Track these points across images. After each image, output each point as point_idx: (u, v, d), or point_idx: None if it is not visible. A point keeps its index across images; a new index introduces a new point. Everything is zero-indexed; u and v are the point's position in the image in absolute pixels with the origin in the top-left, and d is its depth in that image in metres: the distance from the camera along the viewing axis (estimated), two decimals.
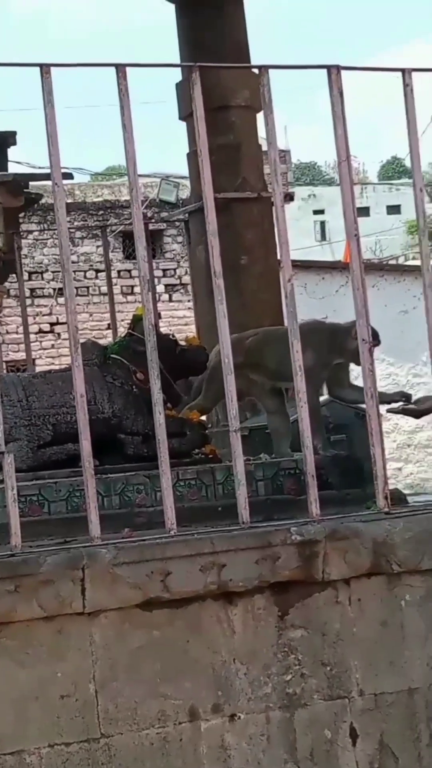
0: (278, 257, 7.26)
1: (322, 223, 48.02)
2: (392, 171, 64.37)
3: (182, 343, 6.51)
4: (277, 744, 4.73)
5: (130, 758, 4.52)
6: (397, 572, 4.92)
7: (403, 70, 5.15)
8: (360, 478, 5.90)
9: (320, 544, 4.77)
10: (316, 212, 48.66)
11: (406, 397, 6.53)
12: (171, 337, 6.39)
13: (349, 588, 4.89)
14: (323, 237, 45.99)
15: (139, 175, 4.88)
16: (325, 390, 6.63)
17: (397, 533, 4.92)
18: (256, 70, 5.17)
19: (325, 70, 5.06)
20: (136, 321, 6.21)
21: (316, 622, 4.83)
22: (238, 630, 4.71)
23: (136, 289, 19.45)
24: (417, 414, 6.55)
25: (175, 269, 20.09)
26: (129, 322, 6.44)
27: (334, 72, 5.04)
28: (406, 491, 7.03)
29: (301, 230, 42.25)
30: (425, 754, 4.94)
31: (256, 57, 8.06)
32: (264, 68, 4.97)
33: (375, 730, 4.88)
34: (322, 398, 6.71)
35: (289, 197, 20.86)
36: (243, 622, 4.72)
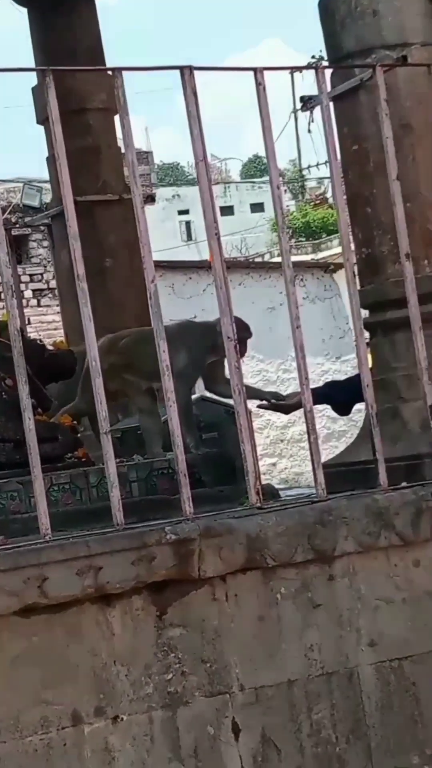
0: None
1: (188, 223, 48.12)
2: (254, 169, 64.83)
3: (50, 347, 6.49)
4: (160, 743, 4.75)
5: (15, 766, 4.50)
6: (272, 566, 4.97)
7: (255, 69, 5.20)
8: (233, 474, 5.94)
9: (195, 542, 4.80)
10: (180, 212, 48.74)
11: (277, 398, 6.60)
12: (38, 341, 6.37)
13: (226, 584, 4.92)
14: (189, 237, 46.09)
15: (1, 180, 4.85)
16: (197, 387, 6.67)
17: (269, 528, 4.97)
18: (110, 72, 5.18)
19: (179, 72, 5.09)
20: (2, 328, 6.16)
21: (194, 619, 4.85)
22: (118, 632, 4.71)
23: (4, 295, 19.29)
24: (286, 410, 6.61)
25: (42, 274, 19.97)
26: None
27: (187, 72, 5.07)
28: (280, 486, 7.12)
29: (167, 231, 42.29)
30: (306, 745, 5.00)
31: (111, 60, 8.08)
32: (117, 70, 4.98)
33: (257, 724, 4.92)
34: (193, 396, 6.74)
35: (150, 198, 20.91)
36: (122, 623, 4.72)
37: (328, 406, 6.99)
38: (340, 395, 6.83)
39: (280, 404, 6.60)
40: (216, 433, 6.53)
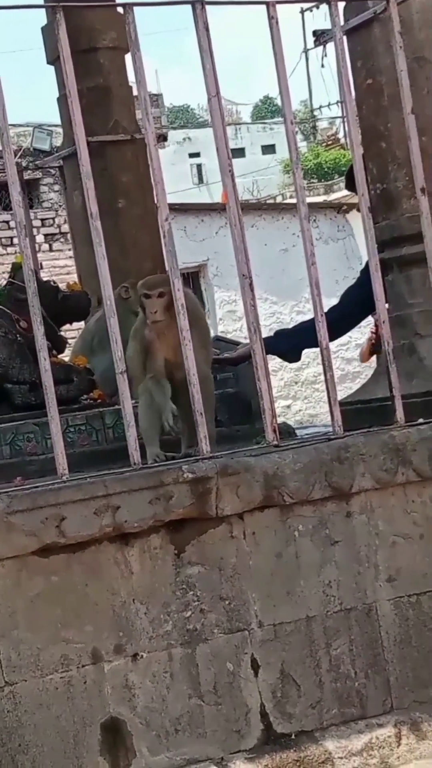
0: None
1: (199, 166, 47.88)
2: (265, 111, 64.37)
3: (64, 289, 6.47)
4: (180, 680, 4.78)
5: (35, 704, 4.53)
6: (289, 503, 4.97)
7: (267, 3, 5.13)
8: (248, 414, 5.94)
9: (212, 481, 4.80)
10: (192, 155, 48.47)
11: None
12: (52, 283, 6.34)
13: (243, 522, 4.93)
14: (200, 180, 45.90)
15: (11, 125, 4.81)
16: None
17: (286, 465, 4.97)
18: (120, 9, 5.13)
19: (190, 7, 5.03)
20: (16, 269, 6.16)
21: (213, 557, 4.86)
22: (136, 570, 4.73)
23: (16, 240, 19.22)
24: (233, 362, 6.51)
25: (53, 218, 19.88)
26: (9, 271, 6.38)
27: (198, 7, 5.00)
28: (297, 427, 7.09)
29: (178, 174, 42.07)
30: (325, 680, 5.02)
31: None
32: (129, 5, 4.92)
33: (276, 660, 4.94)
34: None
35: (162, 137, 20.79)
36: (140, 562, 4.74)
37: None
38: (282, 344, 6.82)
39: (225, 357, 6.53)
40: (231, 373, 6.52)
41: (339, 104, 43.00)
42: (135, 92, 8.58)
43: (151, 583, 4.75)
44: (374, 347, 6.58)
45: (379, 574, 5.15)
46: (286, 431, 5.75)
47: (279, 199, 32.84)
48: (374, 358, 6.65)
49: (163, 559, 4.78)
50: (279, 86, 5.17)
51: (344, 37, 5.51)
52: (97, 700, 4.64)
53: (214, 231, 19.50)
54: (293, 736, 4.93)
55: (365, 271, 5.75)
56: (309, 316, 8.09)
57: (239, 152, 47.43)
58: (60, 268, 18.74)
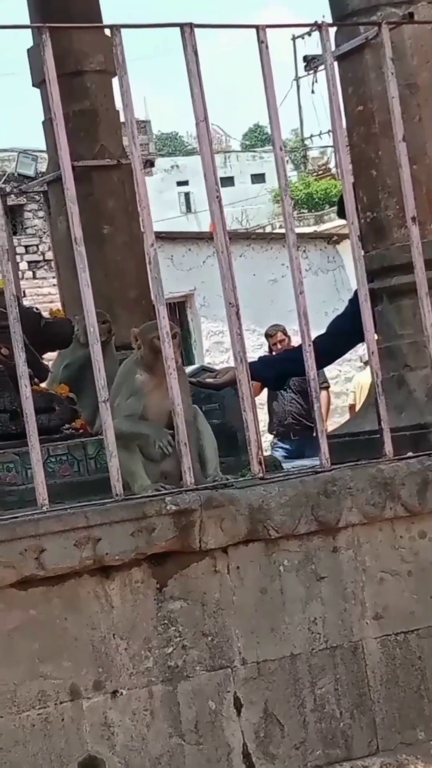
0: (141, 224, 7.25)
1: (187, 195, 47.99)
2: (255, 139, 64.64)
3: (47, 316, 6.47)
4: (161, 718, 4.75)
5: (11, 741, 4.51)
6: (275, 537, 4.97)
7: (257, 27, 5.16)
8: (234, 446, 5.93)
9: (196, 513, 4.79)
10: (179, 183, 48.60)
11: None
12: (35, 310, 6.34)
13: (227, 556, 4.92)
14: (188, 208, 46.02)
15: None
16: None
17: (272, 498, 4.96)
18: (108, 32, 5.15)
19: (179, 30, 5.06)
20: None
21: (196, 592, 4.85)
22: (117, 604, 4.72)
23: None
24: (217, 387, 6.51)
25: (37, 245, 19.91)
26: None
27: (187, 30, 5.03)
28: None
29: (166, 202, 42.20)
30: (310, 720, 5.01)
31: (108, 19, 8.04)
32: (116, 27, 4.94)
33: (259, 699, 4.93)
34: (192, 367, 6.73)
35: (149, 163, 20.84)
36: (121, 596, 4.73)
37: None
38: (267, 370, 6.84)
39: (208, 382, 6.54)
40: (217, 405, 6.52)
41: (330, 133, 43.28)
42: (122, 117, 8.65)
43: (132, 617, 4.74)
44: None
45: (366, 612, 5.14)
46: (272, 463, 5.74)
47: (268, 229, 32.95)
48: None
49: (144, 594, 4.77)
50: (268, 111, 5.19)
51: (335, 63, 5.55)
52: (75, 738, 4.61)
53: (201, 260, 19.55)
54: None
55: (354, 301, 5.76)
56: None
57: (228, 181, 47.55)
58: (43, 296, 18.76)
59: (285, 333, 10.19)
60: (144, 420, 5.28)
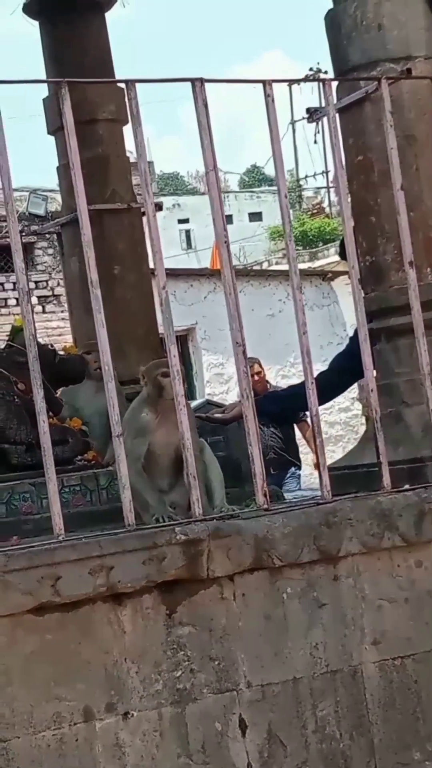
0: (150, 266, 7.28)
1: (188, 232, 48.10)
2: (253, 179, 64.82)
3: (61, 352, 6.50)
4: (169, 739, 4.75)
5: (28, 761, 4.50)
6: (279, 566, 4.98)
7: (264, 82, 5.20)
8: (238, 477, 5.94)
9: (204, 543, 4.80)
10: (180, 221, 48.71)
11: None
12: (50, 347, 6.36)
13: (233, 584, 4.92)
14: (189, 245, 46.08)
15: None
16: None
17: (276, 529, 4.98)
18: (122, 85, 5.19)
19: (189, 83, 5.10)
20: (15, 332, 6.18)
21: (203, 618, 4.86)
22: (128, 630, 4.72)
23: (10, 302, 19.32)
24: (224, 422, 6.55)
25: (47, 281, 19.95)
26: (8, 333, 6.41)
27: (198, 84, 5.07)
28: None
29: (168, 239, 42.18)
30: (312, 740, 5.00)
31: (119, 70, 8.08)
32: (131, 82, 4.98)
33: (263, 720, 4.92)
34: (198, 401, 6.75)
35: (159, 207, 20.87)
36: (132, 622, 4.73)
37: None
38: (273, 406, 6.88)
39: (216, 417, 6.58)
40: (221, 437, 6.53)
41: (324, 174, 43.47)
42: (132, 161, 8.69)
43: (142, 642, 4.74)
44: None
45: (365, 637, 5.14)
46: (275, 494, 5.76)
47: (265, 265, 32.95)
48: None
49: (155, 619, 4.77)
50: (274, 163, 5.24)
51: (337, 115, 5.59)
52: (88, 758, 4.60)
53: (202, 296, 19.58)
54: None
55: (354, 339, 5.79)
56: (294, 380, 7.92)
57: (227, 219, 47.54)
58: (53, 329, 18.79)
59: (261, 365, 10.17)
60: (153, 457, 5.30)
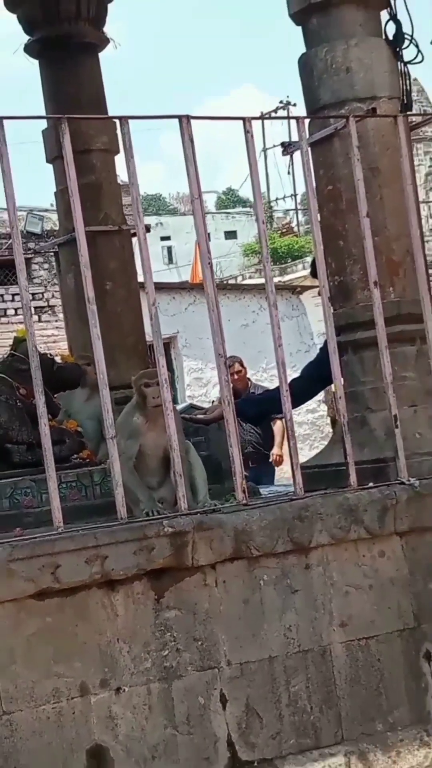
0: (139, 282, 7.28)
1: (169, 249, 48.12)
2: (228, 201, 64.88)
3: (58, 360, 6.51)
4: (157, 712, 4.77)
5: (30, 731, 4.52)
6: (256, 556, 5.01)
7: (243, 119, 5.23)
8: (219, 475, 5.96)
9: (189, 535, 4.83)
10: (163, 238, 48.72)
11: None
12: (48, 356, 6.37)
13: (215, 572, 4.95)
14: (170, 260, 46.06)
15: (4, 209, 4.87)
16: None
17: (254, 522, 5.00)
18: (117, 121, 5.21)
19: (176, 119, 5.12)
20: (18, 342, 6.19)
21: (188, 602, 4.88)
22: (121, 613, 4.74)
23: (9, 312, 19.34)
24: (206, 422, 6.57)
25: (42, 293, 19.96)
26: (11, 344, 6.41)
27: (185, 121, 5.09)
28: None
29: (151, 255, 42.03)
30: (285, 713, 5.03)
31: (110, 102, 8.09)
32: (124, 119, 5.00)
33: (242, 695, 4.95)
34: (182, 405, 6.76)
35: (147, 229, 20.89)
36: (124, 606, 4.75)
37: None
38: (251, 409, 6.93)
39: (199, 418, 6.60)
40: (203, 438, 6.54)
41: (293, 197, 43.53)
42: (122, 186, 8.70)
43: (133, 624, 4.76)
44: None
45: (333, 620, 5.17)
46: (252, 491, 5.77)
47: (240, 279, 33.01)
48: None
49: (144, 604, 4.79)
50: (253, 192, 5.27)
51: (309, 149, 5.62)
52: (84, 729, 4.62)
53: (183, 307, 19.59)
54: (256, 764, 4.93)
55: (324, 350, 5.81)
56: (267, 384, 7.82)
57: None
58: (47, 337, 18.79)
59: (242, 364, 10.13)
60: (143, 457, 5.32)
